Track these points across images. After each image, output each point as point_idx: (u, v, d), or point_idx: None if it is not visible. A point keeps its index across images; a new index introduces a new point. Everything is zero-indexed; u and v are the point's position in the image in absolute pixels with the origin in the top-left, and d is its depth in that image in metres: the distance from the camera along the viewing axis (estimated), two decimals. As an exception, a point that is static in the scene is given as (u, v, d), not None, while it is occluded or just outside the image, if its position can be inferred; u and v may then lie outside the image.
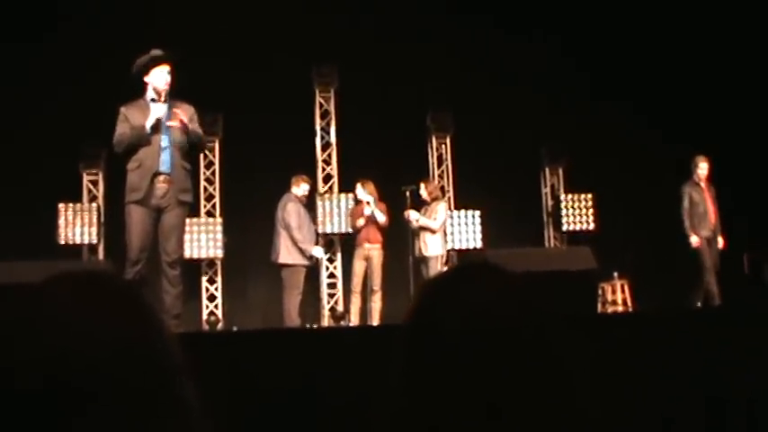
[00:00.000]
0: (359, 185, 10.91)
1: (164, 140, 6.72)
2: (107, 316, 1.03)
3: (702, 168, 10.47)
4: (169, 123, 6.73)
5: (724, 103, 12.91)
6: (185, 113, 6.86)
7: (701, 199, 10.35)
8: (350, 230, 11.44)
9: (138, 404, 0.99)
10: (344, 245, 12.79)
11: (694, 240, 10.27)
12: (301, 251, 10.14)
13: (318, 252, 10.89)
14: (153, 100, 6.80)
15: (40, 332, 0.99)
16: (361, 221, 10.59)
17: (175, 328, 6.47)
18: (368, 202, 10.61)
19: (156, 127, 6.69)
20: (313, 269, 11.32)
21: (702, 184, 10.46)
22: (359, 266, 10.61)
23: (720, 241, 10.38)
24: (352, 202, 11.76)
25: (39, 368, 0.96)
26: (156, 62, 6.89)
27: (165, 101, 6.80)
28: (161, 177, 6.68)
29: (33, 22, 12.22)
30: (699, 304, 10.02)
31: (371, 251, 10.55)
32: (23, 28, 12.20)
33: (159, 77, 6.84)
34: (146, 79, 6.90)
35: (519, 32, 13.25)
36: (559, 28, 13.27)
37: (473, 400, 1.11)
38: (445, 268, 11.56)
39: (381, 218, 10.56)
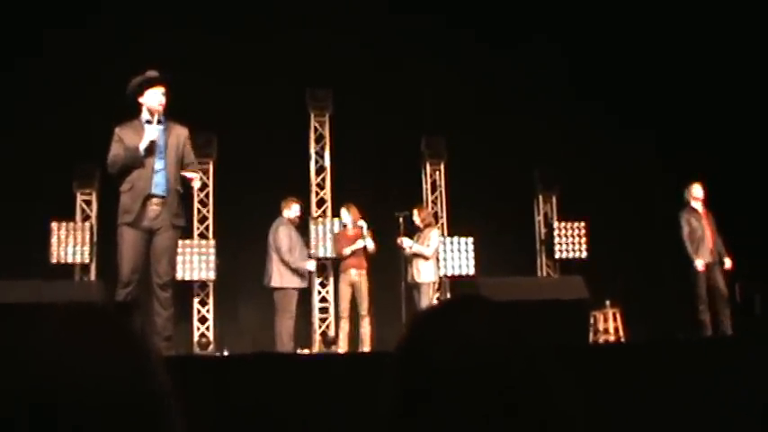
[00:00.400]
0: (343, 210, 10.94)
1: (158, 163, 6.70)
2: (96, 347, 1.02)
3: (698, 192, 10.36)
4: (188, 175, 6.75)
5: (718, 129, 12.95)
6: (180, 137, 6.86)
7: (699, 225, 10.20)
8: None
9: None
10: (337, 269, 12.77)
11: (700, 264, 10.05)
12: (293, 273, 10.12)
13: (312, 266, 10.86)
14: (148, 121, 6.79)
15: (28, 362, 0.98)
16: (347, 251, 10.56)
17: (167, 350, 6.45)
18: (359, 227, 10.62)
19: (150, 149, 6.67)
20: (305, 292, 11.28)
21: (700, 210, 10.33)
22: (345, 291, 10.58)
23: (728, 262, 10.17)
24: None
25: (26, 398, 0.95)
26: (150, 83, 6.89)
27: (159, 122, 6.79)
28: (154, 200, 6.66)
29: (27, 39, 12.24)
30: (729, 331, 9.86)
31: (357, 277, 10.52)
32: (17, 46, 12.21)
33: (153, 98, 6.83)
34: (140, 100, 6.88)
35: (513, 59, 13.32)
36: (554, 55, 13.34)
37: (463, 431, 1.11)
38: (437, 295, 11.56)
39: (372, 245, 10.57)
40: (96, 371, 0.99)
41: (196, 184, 6.86)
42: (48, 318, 1.05)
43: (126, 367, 1.03)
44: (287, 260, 10.07)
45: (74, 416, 0.95)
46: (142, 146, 6.62)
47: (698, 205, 10.38)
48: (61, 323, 1.04)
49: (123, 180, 6.71)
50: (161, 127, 6.78)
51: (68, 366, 0.98)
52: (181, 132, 6.89)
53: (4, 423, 0.94)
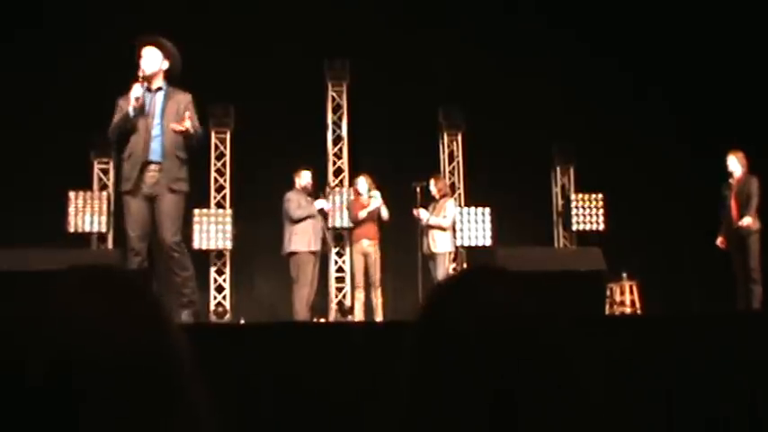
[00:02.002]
0: (362, 177, 10.90)
1: (155, 129, 6.64)
2: (115, 312, 1.02)
3: (728, 164, 9.96)
4: (174, 126, 6.63)
5: (739, 100, 12.80)
6: (181, 103, 6.77)
7: (728, 197, 9.88)
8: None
9: (145, 402, 0.98)
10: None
11: (717, 241, 9.91)
12: (303, 236, 10.06)
13: (322, 204, 10.67)
14: (146, 89, 6.75)
15: (46, 327, 0.98)
16: (363, 213, 10.54)
17: (190, 316, 6.49)
18: (371, 196, 10.61)
19: (141, 109, 6.60)
20: (323, 264, 11.25)
21: (732, 181, 9.94)
22: (359, 262, 10.60)
23: (745, 220, 9.57)
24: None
25: (44, 363, 0.95)
26: (140, 45, 6.84)
27: (159, 89, 6.74)
28: (151, 166, 6.64)
29: (44, 8, 12.23)
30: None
31: (370, 247, 10.53)
32: (35, 14, 12.20)
33: (142, 60, 6.78)
34: None
35: (532, 30, 13.24)
36: (573, 27, 13.24)
37: (485, 400, 1.10)
38: (453, 265, 11.55)
39: (386, 213, 10.57)
40: (114, 333, 0.99)
41: (184, 125, 6.67)
42: (66, 280, 1.05)
43: (144, 329, 1.03)
44: (297, 216, 10.05)
45: (93, 378, 0.95)
46: (130, 107, 6.58)
47: (732, 176, 10.00)
48: (79, 285, 1.04)
49: (124, 148, 6.70)
50: (145, 86, 6.68)
51: (87, 329, 0.98)
52: (182, 98, 6.79)
53: (23, 389, 0.94)
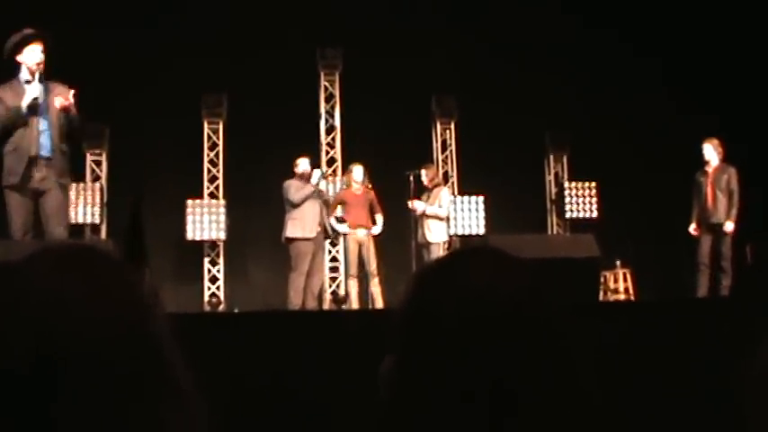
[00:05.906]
0: (358, 166, 10.75)
1: (42, 123, 6.55)
2: (92, 291, 1.01)
3: (705, 151, 9.90)
4: (59, 104, 6.57)
5: (732, 88, 12.80)
6: (63, 95, 6.66)
7: (704, 184, 9.85)
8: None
9: (127, 385, 0.97)
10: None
11: (691, 228, 9.89)
12: (300, 223, 10.02)
13: (317, 175, 10.51)
14: (27, 81, 6.62)
15: (22, 309, 0.97)
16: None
17: None
18: (367, 186, 10.61)
19: (34, 108, 6.55)
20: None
21: (708, 168, 9.92)
22: (353, 250, 10.56)
23: (728, 225, 9.62)
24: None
25: (21, 347, 0.94)
26: (27, 41, 6.76)
27: (39, 81, 6.62)
28: (40, 162, 6.60)
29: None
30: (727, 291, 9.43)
31: (365, 237, 10.51)
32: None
33: (31, 56, 6.64)
34: (18, 59, 6.69)
35: (525, 17, 13.21)
36: (568, 14, 13.22)
37: (473, 385, 1.10)
38: (447, 254, 11.53)
39: (377, 230, 10.58)
40: (94, 319, 0.98)
41: (71, 101, 6.66)
42: (40, 261, 1.04)
43: (124, 307, 1.02)
44: (297, 199, 10.00)
45: (74, 360, 0.94)
46: (24, 103, 6.49)
47: (708, 164, 9.98)
48: (54, 265, 1.03)
49: (6, 141, 6.63)
50: (42, 85, 6.65)
51: (65, 309, 0.97)
52: (63, 92, 6.69)
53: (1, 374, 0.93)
